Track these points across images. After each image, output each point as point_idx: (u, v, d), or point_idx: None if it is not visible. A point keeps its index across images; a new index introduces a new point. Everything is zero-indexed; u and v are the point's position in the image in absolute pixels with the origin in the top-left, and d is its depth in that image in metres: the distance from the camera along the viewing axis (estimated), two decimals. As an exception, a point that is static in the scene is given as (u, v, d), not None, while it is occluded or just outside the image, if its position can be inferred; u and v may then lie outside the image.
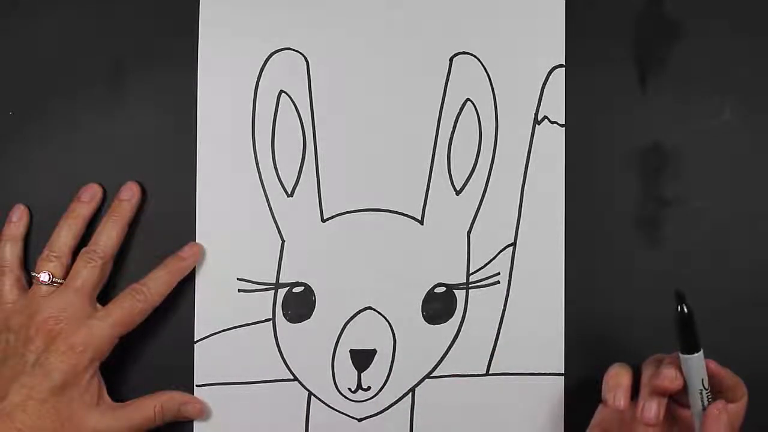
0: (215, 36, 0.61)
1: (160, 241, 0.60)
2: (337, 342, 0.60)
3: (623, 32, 0.61)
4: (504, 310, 0.61)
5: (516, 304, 0.61)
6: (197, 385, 0.60)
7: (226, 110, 0.61)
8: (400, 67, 0.61)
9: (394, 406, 0.61)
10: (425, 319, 0.61)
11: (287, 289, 0.61)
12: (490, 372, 0.61)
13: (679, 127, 0.61)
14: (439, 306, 0.61)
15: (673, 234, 0.61)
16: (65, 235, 0.59)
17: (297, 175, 0.61)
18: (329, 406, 0.61)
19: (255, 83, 0.61)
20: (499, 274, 0.61)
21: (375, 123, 0.61)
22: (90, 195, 0.60)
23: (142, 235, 0.61)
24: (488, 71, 0.61)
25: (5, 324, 0.57)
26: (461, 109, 0.61)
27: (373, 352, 0.61)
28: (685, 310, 0.52)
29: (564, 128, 0.61)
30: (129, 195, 0.60)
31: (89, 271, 0.58)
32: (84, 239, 0.59)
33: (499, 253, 0.61)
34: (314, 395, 0.61)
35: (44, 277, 0.58)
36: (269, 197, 0.61)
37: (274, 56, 0.61)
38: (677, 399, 0.56)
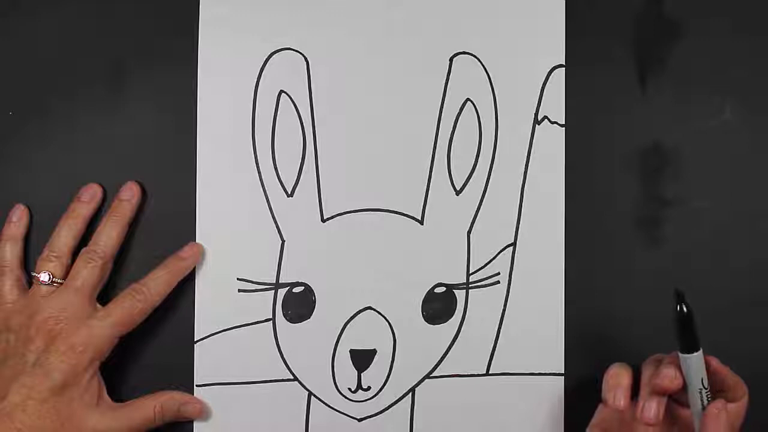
0: (215, 36, 0.61)
1: (160, 241, 0.60)
2: (337, 342, 0.60)
3: (623, 32, 0.61)
4: (504, 310, 0.61)
5: (516, 304, 0.61)
6: (197, 385, 0.60)
7: (226, 110, 0.61)
8: (400, 67, 0.61)
9: (394, 406, 0.61)
10: (425, 319, 0.61)
11: (287, 289, 0.61)
12: (490, 372, 0.61)
13: (679, 127, 0.61)
14: (439, 306, 0.61)
15: (673, 234, 0.61)
16: (65, 235, 0.59)
17: (297, 175, 0.61)
18: (329, 406, 0.61)
19: (255, 83, 0.61)
20: (499, 274, 0.61)
21: (375, 123, 0.61)
22: (90, 195, 0.60)
23: (142, 235, 0.61)
24: (488, 71, 0.61)
25: (5, 324, 0.57)
26: (461, 109, 0.61)
27: (373, 352, 0.61)
28: (685, 309, 0.52)
29: (564, 128, 0.61)
30: (129, 195, 0.60)
31: (89, 271, 0.58)
32: (84, 239, 0.59)
33: (499, 253, 0.61)
34: (314, 395, 0.61)
35: (44, 277, 0.58)
36: (269, 197, 0.61)
37: (274, 56, 0.61)
38: (677, 399, 0.56)
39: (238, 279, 0.61)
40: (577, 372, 0.60)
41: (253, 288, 0.61)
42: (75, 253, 0.59)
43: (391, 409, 0.61)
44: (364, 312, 0.61)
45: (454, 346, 0.61)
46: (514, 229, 0.61)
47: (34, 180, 0.61)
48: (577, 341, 0.60)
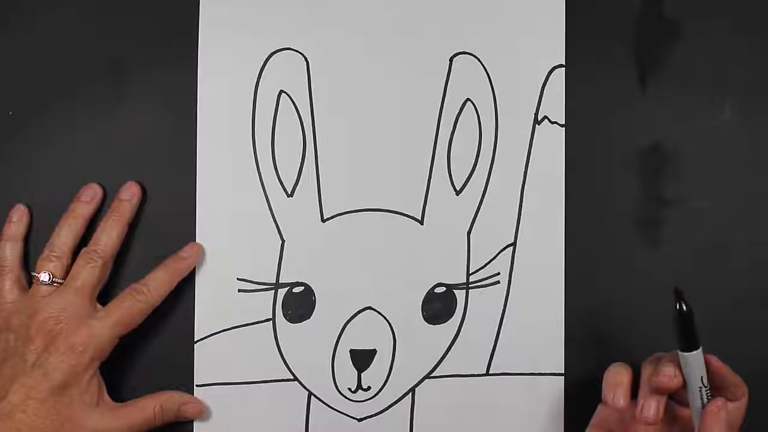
0: (215, 36, 0.61)
1: (160, 241, 0.60)
2: (337, 342, 0.60)
3: (623, 32, 0.61)
4: (504, 310, 0.61)
5: (516, 304, 0.61)
6: (197, 385, 0.60)
7: (225, 110, 0.61)
8: (400, 67, 0.61)
9: (394, 406, 0.61)
10: (425, 319, 0.61)
11: (287, 289, 0.61)
12: (490, 372, 0.61)
13: (679, 127, 0.61)
14: (439, 306, 0.61)
15: (673, 234, 0.61)
16: (65, 235, 0.59)
17: (297, 175, 0.61)
18: (329, 406, 0.61)
19: (255, 83, 0.61)
20: (499, 274, 0.61)
21: (375, 123, 0.61)
22: (90, 195, 0.60)
23: (142, 235, 0.61)
24: (488, 71, 0.61)
25: (5, 324, 0.57)
26: (461, 109, 0.61)
27: (373, 352, 0.61)
28: (684, 308, 0.52)
29: (564, 128, 0.61)
30: (129, 195, 0.60)
31: (89, 271, 0.58)
32: (84, 239, 0.59)
33: (499, 253, 0.61)
34: (314, 395, 0.61)
35: (44, 277, 0.58)
36: (269, 197, 0.61)
37: (274, 56, 0.61)
38: (677, 398, 0.56)
39: (238, 279, 0.61)
40: (577, 372, 0.60)
41: (253, 288, 0.61)
42: (75, 253, 0.59)
43: (391, 409, 0.61)
44: (364, 312, 0.61)
45: (454, 346, 0.61)
46: (514, 229, 0.61)
47: (34, 180, 0.61)
48: (577, 341, 0.60)
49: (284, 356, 0.61)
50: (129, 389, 0.60)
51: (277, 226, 0.61)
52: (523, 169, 0.61)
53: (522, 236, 0.61)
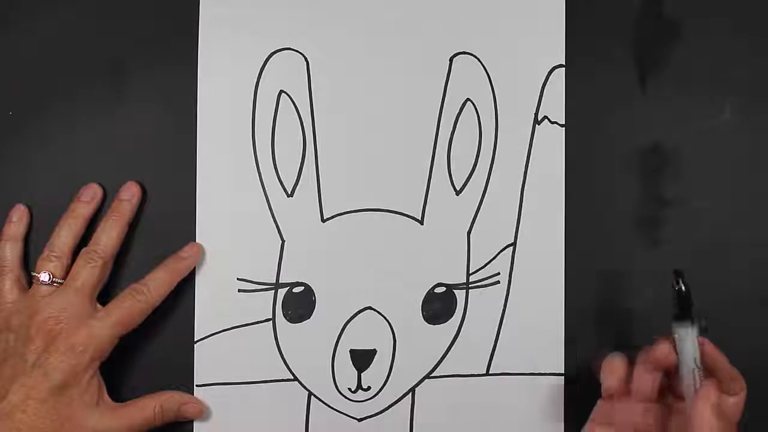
0: (215, 36, 0.61)
1: (160, 241, 0.60)
2: (337, 342, 0.60)
3: (623, 32, 0.61)
4: (504, 310, 0.61)
5: (516, 304, 0.61)
6: (197, 385, 0.60)
7: (225, 110, 0.61)
8: (400, 67, 0.61)
9: (394, 406, 0.61)
10: (425, 319, 0.61)
11: (287, 289, 0.61)
12: (490, 372, 0.61)
13: (679, 127, 0.61)
14: (439, 306, 0.61)
15: (673, 234, 0.61)
16: (65, 235, 0.59)
17: (297, 175, 0.61)
18: (329, 406, 0.61)
19: (255, 83, 0.61)
20: (499, 274, 0.61)
21: (375, 123, 0.61)
22: (90, 195, 0.60)
23: (142, 235, 0.61)
24: (488, 71, 0.61)
25: (5, 324, 0.57)
26: (461, 109, 0.61)
27: (373, 352, 0.61)
28: (683, 287, 0.52)
29: (564, 128, 0.61)
30: (129, 195, 0.60)
31: (89, 271, 0.58)
32: (84, 239, 0.59)
33: (499, 253, 0.61)
34: (314, 395, 0.61)
35: (44, 277, 0.58)
36: (269, 197, 0.61)
37: (274, 56, 0.61)
38: (674, 390, 0.56)
39: (238, 279, 0.61)
40: (577, 372, 0.60)
41: (253, 288, 0.61)
42: (75, 253, 0.59)
43: (391, 409, 0.61)
44: (364, 312, 0.61)
45: (454, 346, 0.61)
46: (514, 229, 0.61)
47: (34, 180, 0.61)
48: (577, 341, 0.60)
49: (284, 356, 0.61)
50: (129, 389, 0.60)
51: (277, 226, 0.61)
52: (523, 169, 0.61)
53: (522, 236, 0.61)
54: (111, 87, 0.61)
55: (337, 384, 0.60)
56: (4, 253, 0.59)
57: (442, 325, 0.61)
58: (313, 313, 0.61)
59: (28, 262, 0.60)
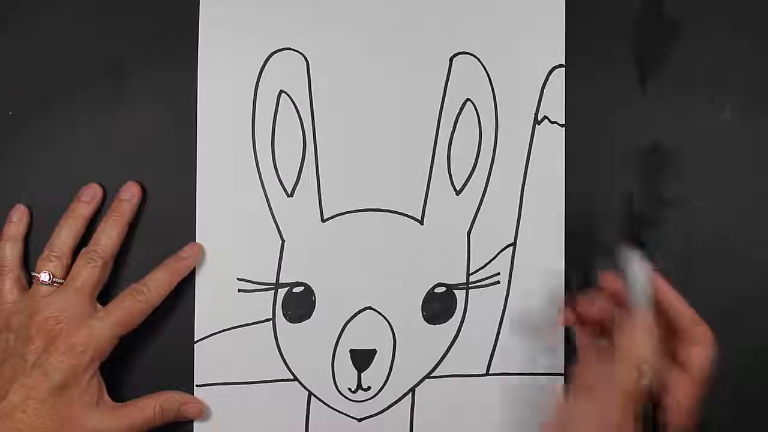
0: (215, 36, 0.61)
1: (160, 241, 0.60)
2: (337, 342, 0.60)
3: (623, 32, 0.61)
4: (504, 310, 0.61)
5: (516, 304, 0.61)
6: (197, 385, 0.60)
7: (225, 110, 0.61)
8: (400, 67, 0.61)
9: (394, 406, 0.61)
10: (425, 319, 0.61)
11: (287, 289, 0.61)
12: (490, 372, 0.61)
13: (679, 127, 0.61)
14: (439, 306, 0.61)
15: (673, 234, 0.61)
16: (65, 235, 0.59)
17: (297, 175, 0.61)
18: (329, 406, 0.61)
19: (255, 83, 0.61)
20: (499, 274, 0.61)
21: (375, 123, 0.61)
22: (90, 195, 0.60)
23: (142, 235, 0.61)
24: (488, 71, 0.61)
25: (5, 324, 0.57)
26: (461, 109, 0.61)
27: (373, 352, 0.61)
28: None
29: (564, 128, 0.61)
30: (129, 195, 0.60)
31: (89, 271, 0.58)
32: (84, 239, 0.59)
33: (499, 253, 0.61)
34: (314, 395, 0.61)
35: (44, 277, 0.58)
36: (269, 197, 0.61)
37: (274, 56, 0.61)
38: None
39: (238, 279, 0.61)
40: (577, 372, 0.60)
41: (253, 288, 0.61)
42: (75, 253, 0.59)
43: (391, 409, 0.61)
44: (364, 312, 0.61)
45: (454, 346, 0.61)
46: (514, 229, 0.61)
47: (34, 180, 0.61)
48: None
49: (284, 356, 0.61)
50: (129, 389, 0.60)
51: (277, 226, 0.61)
52: (523, 169, 0.61)
53: (522, 236, 0.61)
54: (111, 87, 0.61)
55: (337, 384, 0.60)
56: (4, 253, 0.59)
57: (442, 325, 0.61)
58: (313, 313, 0.61)
59: (28, 262, 0.60)
